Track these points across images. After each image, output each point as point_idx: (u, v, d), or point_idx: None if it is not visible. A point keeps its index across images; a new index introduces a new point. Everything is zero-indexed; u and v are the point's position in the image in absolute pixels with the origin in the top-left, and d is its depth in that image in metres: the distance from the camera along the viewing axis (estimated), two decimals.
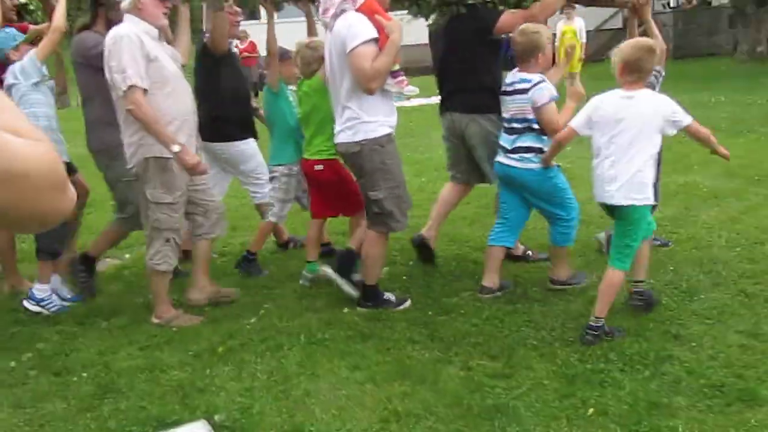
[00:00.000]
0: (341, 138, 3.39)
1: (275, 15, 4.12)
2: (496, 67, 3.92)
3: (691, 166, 6.15)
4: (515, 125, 3.55)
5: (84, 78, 3.73)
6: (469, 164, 4.04)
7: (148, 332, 3.42)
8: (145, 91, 3.17)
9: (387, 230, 3.49)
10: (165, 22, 3.42)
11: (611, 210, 3.17)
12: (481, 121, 3.85)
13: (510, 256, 4.04)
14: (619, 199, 3.05)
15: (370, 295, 3.57)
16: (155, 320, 3.50)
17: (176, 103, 3.34)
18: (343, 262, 3.72)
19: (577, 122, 3.22)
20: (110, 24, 3.60)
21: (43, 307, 3.70)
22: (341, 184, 3.84)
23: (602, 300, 3.09)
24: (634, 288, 3.39)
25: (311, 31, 4.08)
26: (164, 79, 3.29)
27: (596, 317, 3.07)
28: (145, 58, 3.18)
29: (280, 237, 4.75)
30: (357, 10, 3.23)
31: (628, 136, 3.00)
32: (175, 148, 3.23)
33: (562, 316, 3.39)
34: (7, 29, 3.65)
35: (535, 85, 3.44)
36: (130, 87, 3.14)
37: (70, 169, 3.76)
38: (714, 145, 3.20)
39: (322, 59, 3.60)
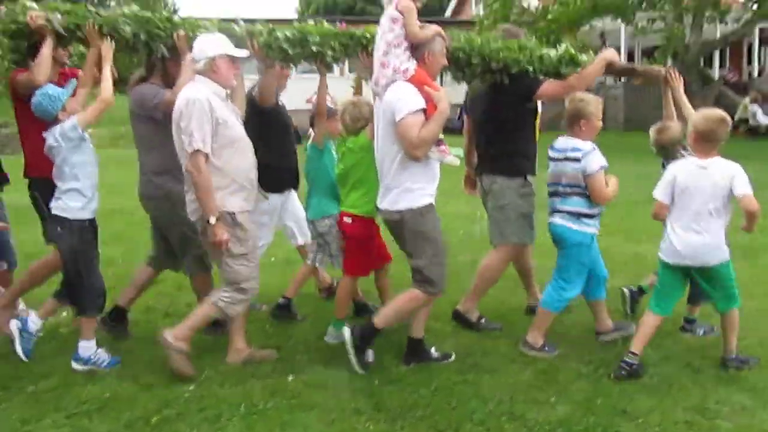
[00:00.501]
0: (384, 204, 3.54)
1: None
2: (533, 132, 4.18)
3: (641, 237, 6.29)
4: (566, 190, 3.74)
5: (144, 129, 3.84)
6: None
7: (79, 398, 3.22)
8: (207, 156, 3.32)
9: (425, 294, 3.53)
10: (234, 83, 3.58)
11: (695, 271, 3.49)
12: (507, 183, 4.06)
13: (464, 322, 4.14)
14: (711, 261, 3.42)
15: (414, 350, 3.67)
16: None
17: (241, 162, 3.48)
18: (364, 334, 3.58)
19: (661, 194, 3.51)
20: (167, 76, 3.78)
21: (93, 365, 3.58)
22: (369, 242, 4.00)
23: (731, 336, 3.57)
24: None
25: (322, 90, 4.14)
26: (231, 140, 3.43)
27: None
28: (213, 122, 3.33)
29: (322, 282, 4.83)
30: (408, 81, 3.39)
31: (701, 202, 3.37)
32: (212, 219, 3.34)
33: (512, 388, 3.33)
34: (51, 89, 3.52)
35: (586, 153, 3.63)
36: (195, 151, 3.29)
37: None
38: (752, 225, 3.42)
39: (367, 117, 3.81)
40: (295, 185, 4.55)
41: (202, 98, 3.32)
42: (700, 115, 3.46)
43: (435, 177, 3.51)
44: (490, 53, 3.95)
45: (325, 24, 3.97)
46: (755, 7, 17.49)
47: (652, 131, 4.01)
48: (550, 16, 18.32)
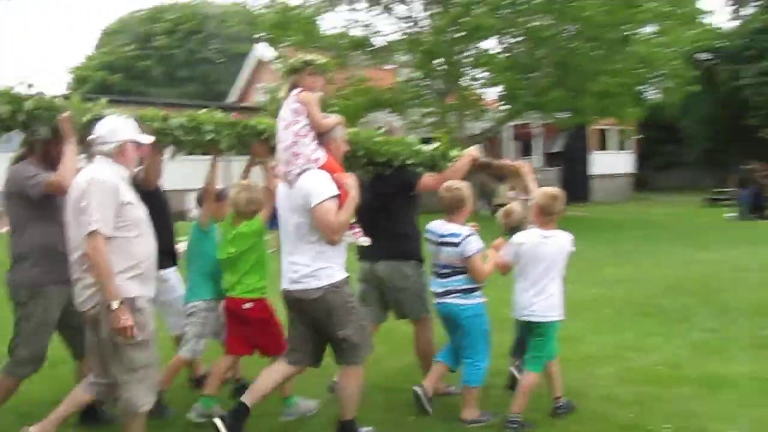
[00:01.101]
0: (300, 285, 3.53)
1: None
2: (415, 219, 4.56)
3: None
4: (446, 270, 4.07)
5: (17, 209, 3.65)
6: (380, 306, 4.52)
7: None
8: (108, 239, 3.13)
9: (360, 362, 3.61)
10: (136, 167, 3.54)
11: (530, 326, 3.99)
12: (404, 267, 4.37)
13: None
14: (538, 317, 3.92)
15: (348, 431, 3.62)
16: None
17: (145, 245, 3.33)
18: (236, 418, 3.55)
19: (507, 256, 4.07)
20: (47, 157, 3.63)
21: None
22: (268, 324, 4.08)
23: (522, 398, 3.88)
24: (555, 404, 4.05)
25: (214, 173, 4.23)
26: (135, 222, 3.28)
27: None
28: (118, 204, 3.19)
29: (195, 372, 4.60)
30: (320, 168, 3.54)
31: (545, 267, 3.92)
32: (114, 304, 3.10)
33: None
34: None
35: (464, 238, 3.98)
36: (94, 232, 3.09)
37: None
38: None
39: (261, 201, 3.97)
40: (173, 264, 4.41)
41: (108, 179, 3.20)
42: (540, 192, 4.10)
43: (344, 253, 3.65)
44: (374, 146, 4.31)
45: (218, 114, 4.08)
46: (506, 107, 20.76)
47: (499, 216, 4.54)
48: (335, 108, 19.74)
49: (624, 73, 19.16)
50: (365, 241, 3.74)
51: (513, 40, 19.61)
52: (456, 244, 4.00)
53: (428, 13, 19.50)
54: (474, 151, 4.63)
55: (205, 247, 4.21)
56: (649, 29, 20.24)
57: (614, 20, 17.72)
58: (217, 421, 3.51)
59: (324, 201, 3.44)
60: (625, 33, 18.56)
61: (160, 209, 4.13)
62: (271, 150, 4.01)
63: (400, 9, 19.97)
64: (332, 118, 3.73)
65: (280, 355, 3.85)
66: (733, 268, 9.33)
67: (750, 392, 4.35)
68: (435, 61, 19.26)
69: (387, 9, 19.28)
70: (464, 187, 4.14)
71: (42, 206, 3.48)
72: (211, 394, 3.99)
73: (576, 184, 24.66)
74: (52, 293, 3.59)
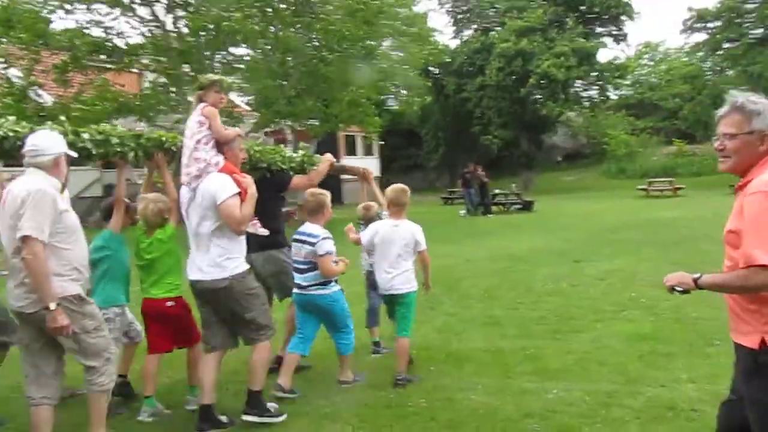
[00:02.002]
0: (209, 275, 3.98)
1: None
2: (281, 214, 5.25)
3: None
4: (304, 266, 4.61)
5: None
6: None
7: None
8: (45, 245, 3.35)
9: (265, 340, 4.14)
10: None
11: (393, 299, 4.93)
12: (277, 254, 4.99)
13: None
14: (402, 289, 4.84)
15: (255, 403, 4.11)
16: None
17: (81, 250, 3.61)
18: (207, 419, 4.04)
19: (365, 240, 4.97)
20: None
21: None
22: (187, 318, 4.49)
23: (401, 360, 4.81)
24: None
25: (121, 182, 4.47)
26: (72, 229, 3.55)
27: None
28: (55, 212, 3.42)
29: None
30: (220, 171, 4.01)
31: (397, 249, 4.80)
32: (52, 305, 3.35)
33: None
34: None
35: (320, 240, 4.51)
36: (30, 237, 3.29)
37: None
38: (428, 276, 5.09)
39: (169, 209, 4.39)
40: None
41: (46, 189, 3.42)
42: (390, 188, 4.99)
43: (244, 246, 4.14)
44: (255, 155, 4.92)
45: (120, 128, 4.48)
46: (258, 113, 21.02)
47: (359, 209, 5.59)
48: (77, 114, 18.16)
49: (368, 86, 20.63)
50: (264, 231, 4.36)
51: (265, 48, 19.89)
52: (312, 244, 4.54)
53: (171, 16, 18.88)
54: (330, 157, 5.50)
55: (121, 255, 4.44)
56: (387, 44, 22.04)
57: (356, 35, 19.00)
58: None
59: (228, 199, 3.92)
60: (363, 47, 19.96)
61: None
62: (171, 159, 4.57)
63: (143, 11, 19.03)
64: (231, 131, 4.26)
65: (196, 344, 4.42)
66: (467, 260, 10.70)
67: (485, 364, 5.15)
68: (185, 67, 18.71)
69: (129, 10, 18.20)
70: (326, 194, 4.79)
71: None
72: (151, 394, 4.33)
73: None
74: None
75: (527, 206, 22.46)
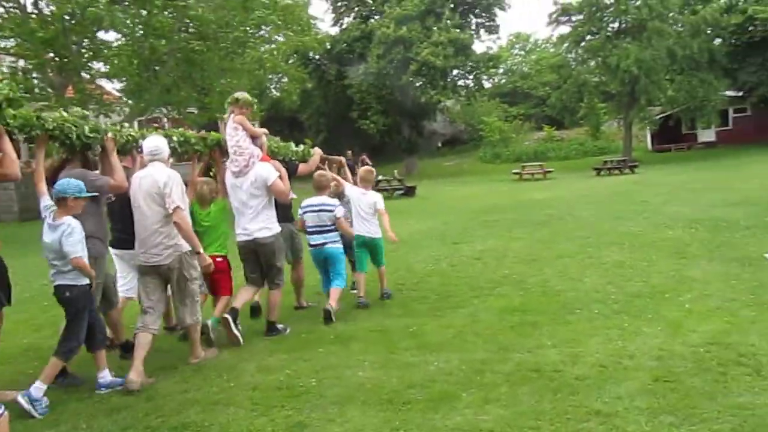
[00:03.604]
0: (259, 234, 5.69)
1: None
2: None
3: None
4: (326, 228, 6.44)
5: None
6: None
7: None
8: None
9: (283, 284, 5.99)
10: None
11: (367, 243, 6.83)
12: (291, 226, 6.64)
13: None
14: (375, 236, 6.85)
15: (272, 328, 5.84)
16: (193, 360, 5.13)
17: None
18: (234, 317, 5.63)
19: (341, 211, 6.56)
20: (87, 163, 5.08)
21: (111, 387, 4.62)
22: (227, 272, 6.00)
23: (384, 281, 7.08)
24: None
25: (194, 171, 6.22)
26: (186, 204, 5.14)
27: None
28: (183, 189, 5.04)
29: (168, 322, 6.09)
30: (261, 160, 5.78)
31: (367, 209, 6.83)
32: (201, 249, 5.14)
33: None
34: None
35: (335, 207, 6.46)
36: (179, 207, 4.88)
37: None
38: (388, 226, 6.90)
39: (218, 190, 5.96)
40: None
41: (176, 174, 5.00)
42: (362, 170, 7.21)
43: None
44: (275, 148, 6.55)
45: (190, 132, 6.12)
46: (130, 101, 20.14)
47: (332, 186, 6.81)
48: None
49: (244, 74, 20.33)
50: (293, 196, 6.36)
51: (135, 34, 19.05)
52: (332, 210, 6.39)
53: None
54: (320, 151, 7.24)
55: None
56: (262, 33, 21.79)
57: (228, 23, 18.66)
58: (228, 318, 5.54)
59: (276, 180, 5.69)
60: (239, 36, 19.64)
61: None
62: (224, 153, 6.05)
63: None
64: (259, 130, 6.02)
65: (228, 296, 5.91)
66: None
67: (370, 342, 5.42)
68: (49, 53, 17.56)
69: None
70: (328, 174, 6.85)
71: (97, 200, 4.92)
72: (218, 316, 5.73)
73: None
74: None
75: (410, 192, 23.14)
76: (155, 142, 5.10)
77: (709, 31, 31.21)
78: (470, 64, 36.68)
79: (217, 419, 4.02)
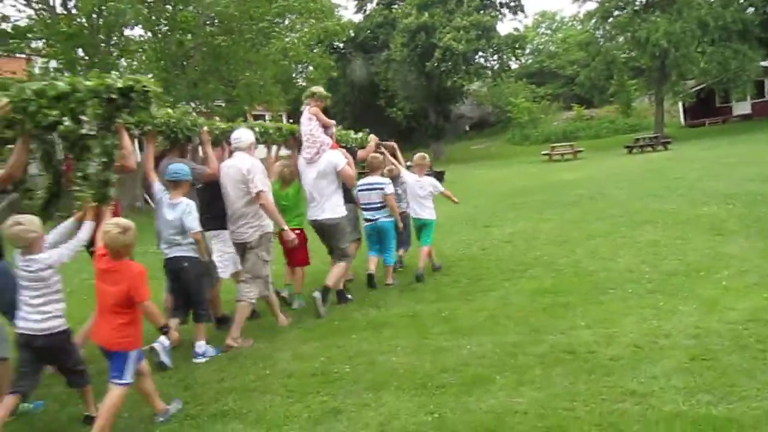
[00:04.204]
0: (326, 215, 6.28)
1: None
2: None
3: None
4: (378, 204, 6.98)
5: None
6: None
7: None
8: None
9: (347, 261, 6.55)
10: None
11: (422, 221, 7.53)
12: (353, 206, 6.94)
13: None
14: (428, 219, 7.54)
15: (341, 296, 6.50)
16: (231, 342, 5.34)
17: None
18: (325, 295, 6.22)
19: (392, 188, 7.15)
20: (184, 153, 5.75)
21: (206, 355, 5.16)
22: (304, 244, 6.71)
23: (422, 260, 7.37)
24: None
25: (269, 159, 6.76)
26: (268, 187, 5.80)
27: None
28: (265, 175, 5.71)
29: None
30: (331, 148, 6.37)
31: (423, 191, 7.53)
32: (285, 226, 5.84)
33: None
34: None
35: (386, 185, 6.97)
36: (263, 191, 5.52)
37: None
38: (451, 196, 7.87)
39: (296, 173, 6.60)
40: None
41: (258, 162, 5.64)
42: (416, 156, 7.75)
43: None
44: (338, 136, 7.09)
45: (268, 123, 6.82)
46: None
47: (385, 171, 7.25)
48: None
49: (269, 65, 20.39)
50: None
51: (160, 29, 19.26)
52: (382, 188, 6.94)
53: None
54: (375, 138, 7.82)
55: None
56: (286, 23, 21.80)
57: (250, 16, 18.72)
58: (317, 293, 6.12)
59: (344, 166, 6.29)
60: (263, 27, 19.68)
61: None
62: (297, 142, 6.74)
63: None
64: (330, 121, 6.51)
65: (306, 264, 6.81)
66: None
67: (403, 327, 5.45)
68: (78, 51, 17.86)
69: None
70: (381, 157, 7.30)
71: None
72: (299, 292, 6.73)
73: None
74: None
75: (438, 177, 22.98)
76: (238, 133, 5.75)
77: (741, 1, 30.30)
78: (493, 46, 36.20)
79: (254, 406, 4.09)
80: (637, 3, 32.32)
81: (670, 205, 10.39)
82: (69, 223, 4.23)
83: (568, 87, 45.02)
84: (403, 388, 4.13)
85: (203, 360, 5.08)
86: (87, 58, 18.57)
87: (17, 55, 19.10)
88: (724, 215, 8.98)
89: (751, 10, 31.22)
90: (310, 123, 6.28)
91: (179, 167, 5.09)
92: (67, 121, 4.18)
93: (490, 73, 38.94)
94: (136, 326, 3.82)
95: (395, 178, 7.40)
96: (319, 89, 6.52)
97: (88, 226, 4.12)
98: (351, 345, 5.12)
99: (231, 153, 5.86)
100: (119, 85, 4.33)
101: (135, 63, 20.19)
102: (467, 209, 13.11)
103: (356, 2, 41.70)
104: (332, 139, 6.47)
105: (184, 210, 4.94)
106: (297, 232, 6.23)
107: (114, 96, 4.31)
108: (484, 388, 3.98)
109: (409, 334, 5.24)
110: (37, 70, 18.95)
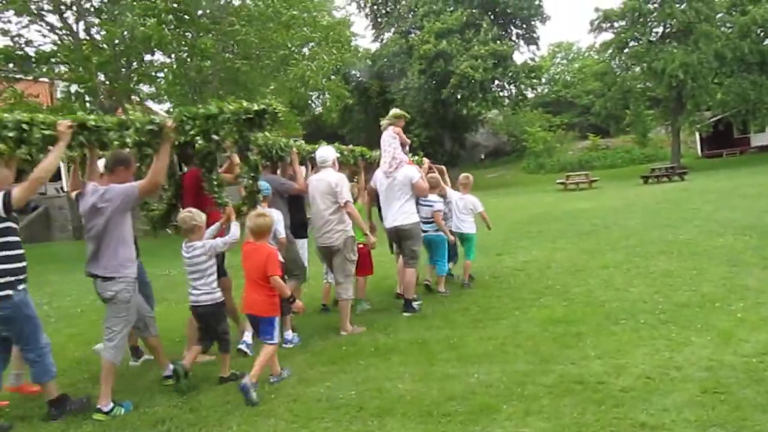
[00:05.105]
0: (401, 221, 7.00)
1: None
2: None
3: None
4: (428, 219, 7.63)
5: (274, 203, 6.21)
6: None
7: None
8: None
9: (416, 265, 7.17)
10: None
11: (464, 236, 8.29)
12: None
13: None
14: (469, 232, 8.39)
15: (409, 305, 6.96)
16: (343, 333, 6.27)
17: None
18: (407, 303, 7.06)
19: (441, 205, 7.87)
20: (275, 169, 6.69)
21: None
22: (369, 256, 7.49)
23: (466, 272, 8.24)
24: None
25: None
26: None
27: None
28: (349, 188, 6.58)
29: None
30: (408, 164, 7.20)
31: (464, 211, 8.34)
32: (368, 231, 6.94)
33: None
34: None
35: (436, 204, 7.69)
36: (349, 201, 6.38)
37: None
38: (488, 221, 8.88)
39: (359, 195, 7.62)
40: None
41: (344, 177, 6.55)
42: (461, 177, 8.53)
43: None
44: None
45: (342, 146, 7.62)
46: None
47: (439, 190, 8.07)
48: None
49: (286, 92, 20.67)
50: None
51: (181, 55, 19.61)
52: (431, 206, 7.64)
53: (83, 24, 18.33)
54: (428, 159, 8.80)
55: None
56: (304, 51, 22.13)
57: (270, 44, 19.04)
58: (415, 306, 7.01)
59: (419, 179, 7.08)
60: (284, 54, 19.99)
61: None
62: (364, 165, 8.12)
63: (52, 18, 18.39)
64: (407, 140, 7.35)
65: (369, 274, 7.66)
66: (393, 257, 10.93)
67: (411, 354, 5.39)
68: (99, 76, 18.22)
69: (38, 17, 17.56)
70: (438, 177, 8.07)
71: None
72: (361, 297, 7.44)
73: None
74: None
75: None
76: (323, 153, 6.55)
77: (759, 32, 30.30)
78: (510, 74, 36.42)
79: (258, 430, 4.05)
80: (653, 34, 32.43)
81: (686, 236, 10.28)
82: (215, 226, 5.26)
83: (584, 117, 45.07)
84: (409, 415, 4.07)
85: (291, 345, 5.94)
86: (108, 83, 18.94)
87: (40, 79, 19.50)
88: (740, 247, 8.86)
89: None
90: (393, 141, 7.09)
91: (262, 184, 5.83)
92: (200, 140, 5.08)
93: (506, 101, 39.13)
94: (278, 297, 4.90)
95: (443, 197, 8.02)
96: (401, 112, 7.38)
97: (235, 226, 5.21)
98: (358, 371, 5.07)
99: (315, 169, 6.85)
100: (255, 108, 5.13)
101: (153, 88, 20.54)
102: (480, 236, 13.03)
103: (373, 31, 42.27)
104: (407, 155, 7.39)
105: (273, 219, 5.46)
106: (362, 246, 6.96)
107: (251, 116, 5.13)
108: (491, 418, 3.91)
109: (417, 360, 5.19)
110: (59, 94, 19.38)
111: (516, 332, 5.77)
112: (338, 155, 6.86)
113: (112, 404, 4.50)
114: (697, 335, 5.15)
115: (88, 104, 19.02)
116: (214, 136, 5.13)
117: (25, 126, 4.25)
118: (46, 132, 4.36)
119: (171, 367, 5.03)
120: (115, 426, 4.32)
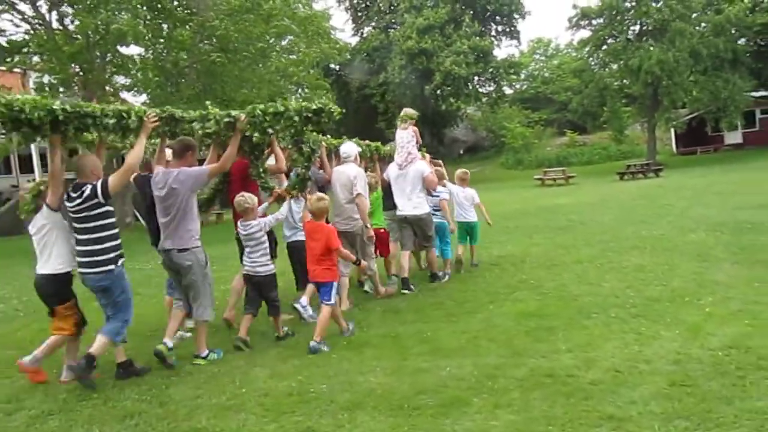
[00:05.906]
0: (415, 211, 7.77)
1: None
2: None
3: None
4: (437, 209, 8.26)
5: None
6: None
7: None
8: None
9: (433, 247, 8.03)
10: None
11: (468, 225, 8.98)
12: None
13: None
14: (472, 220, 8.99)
15: (435, 276, 8.03)
16: (379, 295, 7.44)
17: None
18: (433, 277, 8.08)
19: (446, 194, 8.63)
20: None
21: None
22: (387, 239, 7.98)
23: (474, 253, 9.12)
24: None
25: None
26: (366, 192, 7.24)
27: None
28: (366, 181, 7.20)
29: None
30: (421, 159, 8.02)
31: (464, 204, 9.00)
32: (369, 225, 7.18)
33: None
34: None
35: (442, 194, 8.39)
36: (361, 194, 6.94)
37: None
38: (487, 214, 9.34)
39: (376, 185, 7.86)
40: None
41: (362, 171, 7.15)
42: (459, 171, 9.24)
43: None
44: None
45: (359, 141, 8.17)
46: None
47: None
48: None
49: (265, 84, 20.50)
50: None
51: (157, 48, 19.35)
52: (437, 196, 8.28)
53: (56, 13, 18.00)
54: (428, 155, 9.22)
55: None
56: (284, 44, 21.94)
57: (248, 36, 18.86)
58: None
59: (429, 173, 7.85)
60: (262, 47, 19.81)
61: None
62: (380, 157, 8.83)
63: (24, 7, 18.04)
64: (420, 138, 8.12)
65: (389, 255, 8.06)
66: None
67: (383, 348, 5.39)
68: (74, 67, 17.91)
69: (10, 6, 17.20)
70: (442, 170, 8.74)
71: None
72: (391, 273, 8.05)
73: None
74: None
75: None
76: (346, 148, 7.22)
77: (733, 31, 30.73)
78: (491, 70, 36.56)
79: (228, 425, 4.02)
80: (630, 32, 32.73)
81: (659, 232, 10.40)
82: (264, 205, 6.31)
83: (561, 113, 45.40)
84: (380, 408, 4.07)
85: (307, 315, 6.34)
86: (82, 74, 18.63)
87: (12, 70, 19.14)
88: (711, 242, 8.99)
89: (742, 40, 31.64)
90: (412, 139, 7.89)
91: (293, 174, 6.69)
92: (256, 134, 5.81)
93: (486, 98, 39.27)
94: (335, 266, 5.80)
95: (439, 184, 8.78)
96: (414, 112, 8.28)
97: (285, 205, 6.42)
98: (330, 364, 5.05)
99: (339, 161, 7.39)
100: (314, 107, 5.89)
101: (128, 80, 20.26)
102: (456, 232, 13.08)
103: (353, 25, 42.12)
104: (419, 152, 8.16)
105: (301, 205, 6.70)
106: (382, 230, 7.79)
107: (310, 115, 5.88)
108: (461, 411, 3.92)
109: (390, 354, 5.19)
110: (32, 85, 19.03)
111: (489, 326, 5.79)
112: (360, 150, 7.52)
113: (207, 351, 5.38)
114: (666, 329, 5.22)
115: (61, 95, 18.71)
116: (269, 130, 5.89)
117: (124, 114, 4.99)
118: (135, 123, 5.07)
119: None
120: (83, 420, 4.26)
